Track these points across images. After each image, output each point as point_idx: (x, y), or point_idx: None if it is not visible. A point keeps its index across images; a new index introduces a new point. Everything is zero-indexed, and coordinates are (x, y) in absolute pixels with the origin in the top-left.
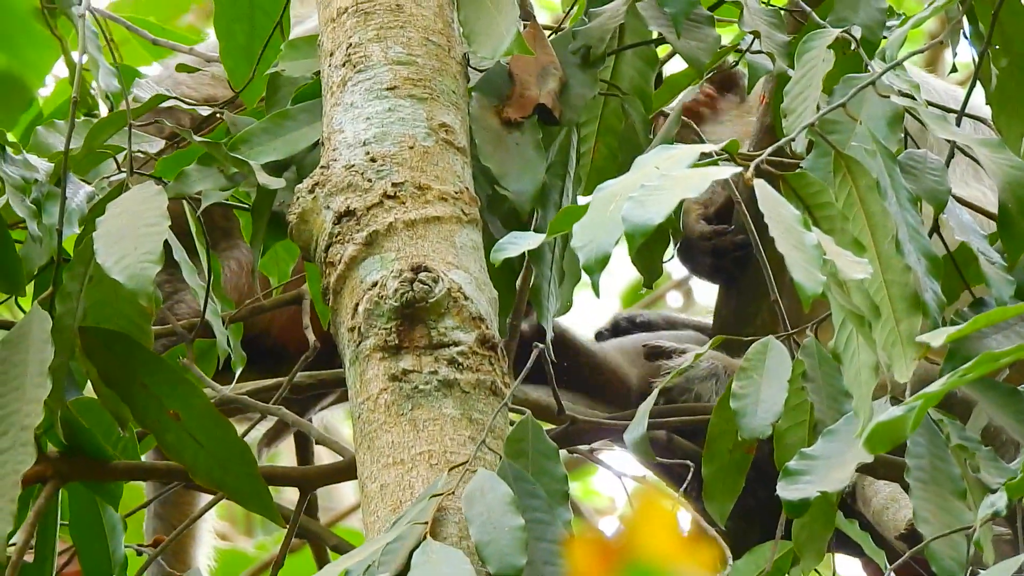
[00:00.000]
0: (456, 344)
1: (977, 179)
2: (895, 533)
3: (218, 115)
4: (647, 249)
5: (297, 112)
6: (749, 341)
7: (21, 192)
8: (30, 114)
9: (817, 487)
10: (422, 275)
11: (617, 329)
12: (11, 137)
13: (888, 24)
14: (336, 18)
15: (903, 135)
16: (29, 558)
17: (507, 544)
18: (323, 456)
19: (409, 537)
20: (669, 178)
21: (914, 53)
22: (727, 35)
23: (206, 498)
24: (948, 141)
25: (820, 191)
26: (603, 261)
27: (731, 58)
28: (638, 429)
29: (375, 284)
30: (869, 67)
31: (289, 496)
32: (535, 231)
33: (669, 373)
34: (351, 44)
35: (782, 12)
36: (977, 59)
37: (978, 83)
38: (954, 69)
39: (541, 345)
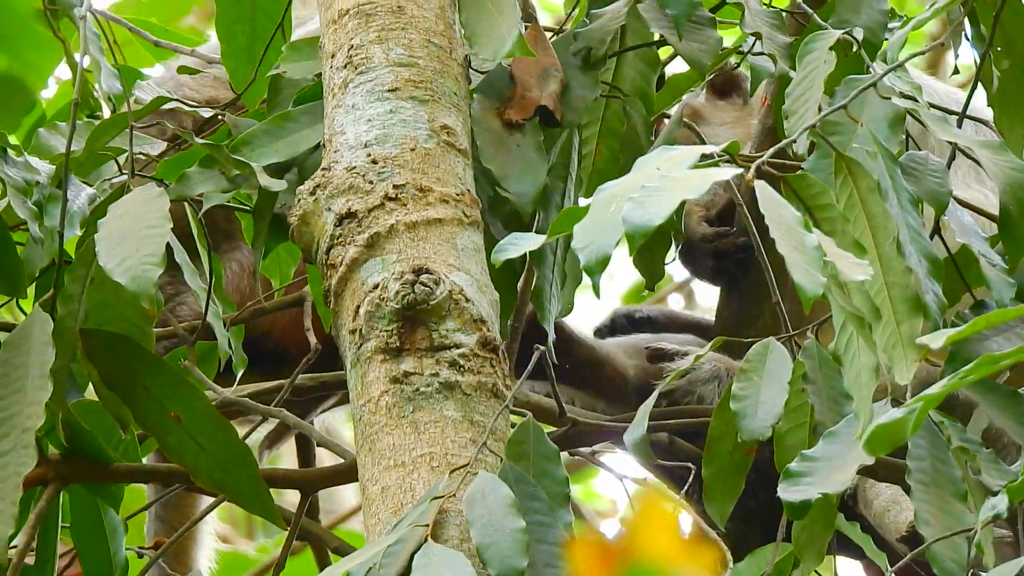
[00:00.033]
0: (457, 346)
1: (979, 181)
2: (896, 535)
3: (220, 117)
4: (648, 251)
5: (298, 114)
6: (751, 343)
7: (22, 194)
8: (33, 116)
9: (818, 489)
10: (423, 277)
11: (615, 325)
12: (13, 139)
13: (890, 26)
14: (338, 20)
15: (904, 137)
16: (30, 560)
17: (508, 546)
18: (324, 458)
19: (410, 539)
20: (670, 179)
21: (915, 55)
22: (729, 37)
23: (207, 500)
24: (949, 143)
25: (821, 192)
26: (603, 262)
27: (733, 60)
28: (638, 430)
29: (376, 286)
30: (871, 69)
31: (290, 498)
32: (536, 233)
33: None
34: (353, 46)
35: (784, 14)
36: (979, 61)
37: (979, 85)
38: (956, 71)
39: (542, 347)
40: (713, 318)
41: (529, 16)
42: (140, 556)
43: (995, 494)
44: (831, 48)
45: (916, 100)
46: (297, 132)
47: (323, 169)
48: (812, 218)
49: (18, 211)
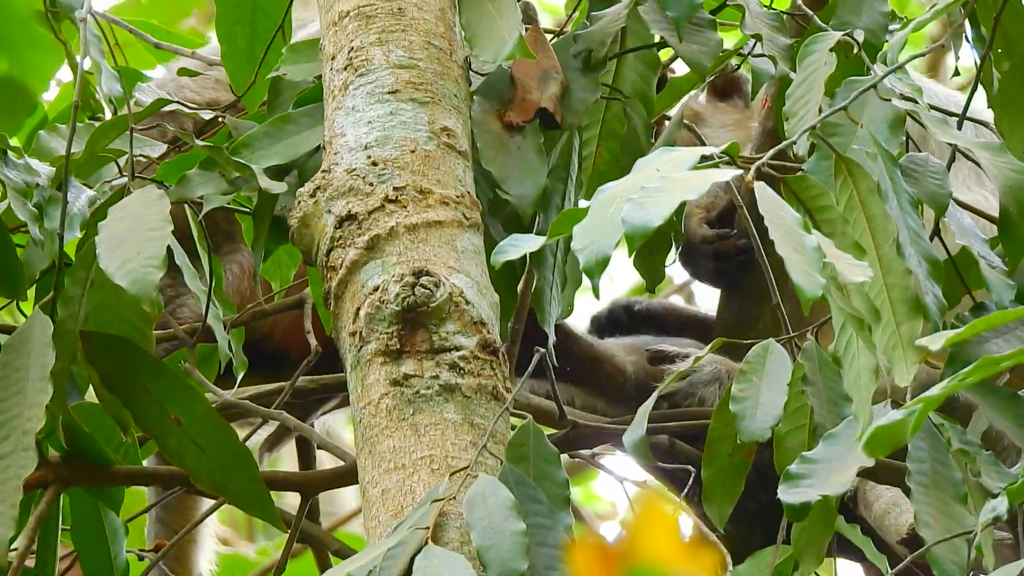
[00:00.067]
0: (457, 349)
1: (979, 184)
2: (897, 538)
3: (220, 119)
4: (649, 253)
5: (299, 116)
6: (751, 345)
7: (23, 196)
8: (35, 118)
9: (818, 491)
10: (423, 279)
11: (612, 316)
12: (15, 142)
13: (891, 28)
14: (338, 22)
15: (905, 139)
16: (30, 563)
17: (508, 549)
18: (325, 461)
19: (410, 542)
20: (669, 180)
21: (916, 56)
22: (730, 39)
23: (208, 503)
24: (949, 144)
25: (821, 194)
26: (603, 263)
27: (734, 62)
28: (637, 431)
29: (376, 288)
30: (871, 71)
31: (291, 501)
32: (536, 235)
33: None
34: (353, 48)
35: (784, 16)
36: (979, 62)
37: (980, 87)
38: (956, 73)
39: (543, 349)
40: (713, 313)
41: (530, 18)
42: (141, 559)
43: (995, 496)
44: (831, 50)
45: (916, 102)
46: (297, 134)
47: (323, 171)
48: (812, 219)
49: (18, 213)
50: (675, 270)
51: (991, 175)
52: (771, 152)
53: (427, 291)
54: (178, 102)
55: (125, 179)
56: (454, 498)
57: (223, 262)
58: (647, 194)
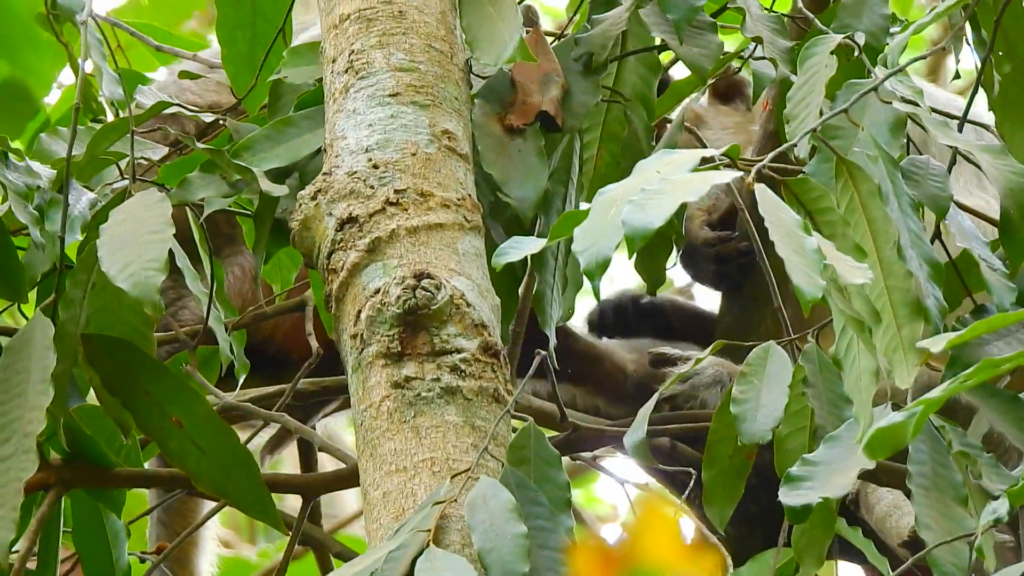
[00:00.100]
0: (459, 351)
1: (980, 188)
2: (898, 540)
3: (221, 122)
4: (650, 255)
5: (300, 119)
6: (752, 347)
7: (23, 199)
8: (37, 121)
9: (819, 493)
10: (424, 282)
11: (619, 309)
12: (16, 144)
13: (891, 31)
14: (339, 24)
15: (905, 141)
16: (32, 565)
17: (509, 552)
18: (326, 463)
19: (412, 545)
20: (670, 182)
21: (917, 59)
22: (731, 42)
23: (209, 505)
24: (950, 147)
25: (822, 196)
26: (603, 265)
27: (735, 65)
28: (638, 433)
29: (377, 291)
30: (872, 73)
31: (292, 503)
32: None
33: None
34: (353, 51)
35: (785, 18)
36: (980, 65)
37: (981, 89)
38: (957, 75)
39: (544, 352)
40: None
41: (530, 21)
42: (142, 561)
43: (996, 498)
44: (832, 53)
45: (917, 105)
46: (298, 137)
47: (324, 174)
48: (813, 222)
49: (19, 216)
50: (676, 272)
51: (992, 177)
52: (772, 154)
53: (428, 294)
54: (179, 105)
55: (126, 182)
56: (455, 501)
57: (224, 265)
58: (647, 196)
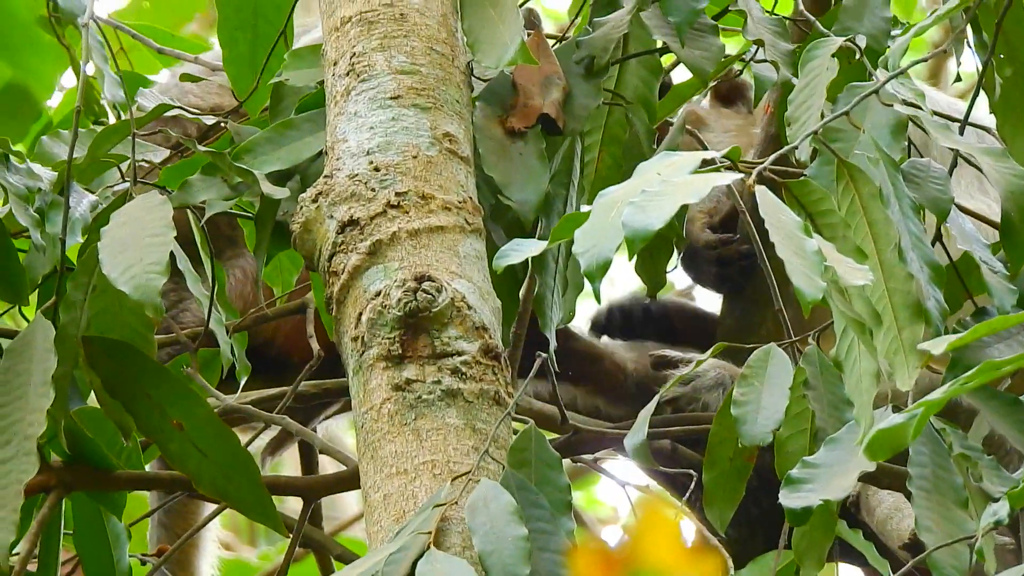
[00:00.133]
0: (459, 354)
1: (982, 191)
2: (899, 543)
3: (222, 124)
4: (650, 258)
5: (301, 121)
6: (753, 349)
7: (24, 201)
8: (39, 124)
9: (819, 495)
10: (425, 285)
11: (628, 312)
12: (18, 147)
13: (893, 33)
14: (340, 27)
15: (906, 144)
16: (32, 567)
17: (510, 554)
18: (327, 466)
19: (412, 547)
20: (670, 184)
21: (918, 61)
22: (732, 44)
23: (210, 507)
24: (951, 150)
25: (822, 199)
26: (604, 267)
27: (737, 67)
28: (638, 435)
29: (378, 294)
30: (873, 76)
31: (293, 505)
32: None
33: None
34: (355, 53)
35: (786, 21)
36: (981, 68)
37: (982, 92)
38: (958, 78)
39: (544, 355)
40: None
41: (532, 24)
42: (143, 563)
43: (996, 501)
44: (834, 55)
45: (919, 107)
46: (299, 140)
47: (325, 176)
48: (813, 224)
49: (20, 218)
50: (677, 275)
51: (992, 180)
52: (773, 157)
53: (429, 296)
54: (180, 107)
55: (127, 184)
56: (456, 503)
57: (225, 267)
58: (648, 198)
